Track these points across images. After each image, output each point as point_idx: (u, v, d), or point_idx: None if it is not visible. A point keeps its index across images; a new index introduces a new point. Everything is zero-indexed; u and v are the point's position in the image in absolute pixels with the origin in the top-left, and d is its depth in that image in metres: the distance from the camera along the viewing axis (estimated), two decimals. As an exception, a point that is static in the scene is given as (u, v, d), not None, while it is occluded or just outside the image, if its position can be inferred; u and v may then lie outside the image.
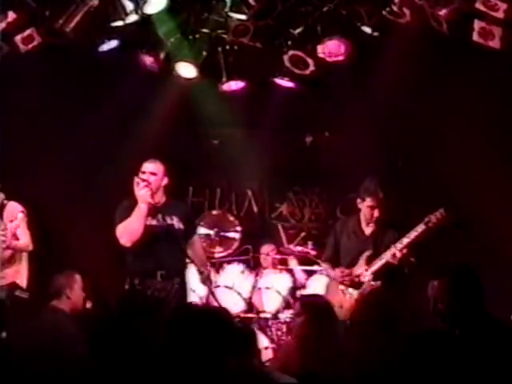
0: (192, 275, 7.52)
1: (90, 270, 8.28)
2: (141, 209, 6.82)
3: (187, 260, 7.14)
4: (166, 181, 7.04)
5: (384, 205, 7.12)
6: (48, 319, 6.67)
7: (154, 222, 6.94)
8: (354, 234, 7.33)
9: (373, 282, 7.12)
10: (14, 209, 7.74)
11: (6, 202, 7.80)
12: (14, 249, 7.66)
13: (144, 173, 6.97)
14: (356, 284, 7.19)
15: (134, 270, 6.90)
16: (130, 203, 6.92)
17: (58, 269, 7.27)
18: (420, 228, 6.93)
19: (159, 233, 6.92)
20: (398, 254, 6.94)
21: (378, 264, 7.08)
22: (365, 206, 7.20)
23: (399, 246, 6.98)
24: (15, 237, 7.65)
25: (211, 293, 7.85)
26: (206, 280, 7.45)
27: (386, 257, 7.04)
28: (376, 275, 7.09)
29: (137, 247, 6.88)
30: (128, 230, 6.86)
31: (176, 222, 7.02)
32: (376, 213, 7.15)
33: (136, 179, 6.88)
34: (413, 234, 6.95)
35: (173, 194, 7.25)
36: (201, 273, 7.38)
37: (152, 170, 6.98)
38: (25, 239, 7.73)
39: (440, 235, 7.17)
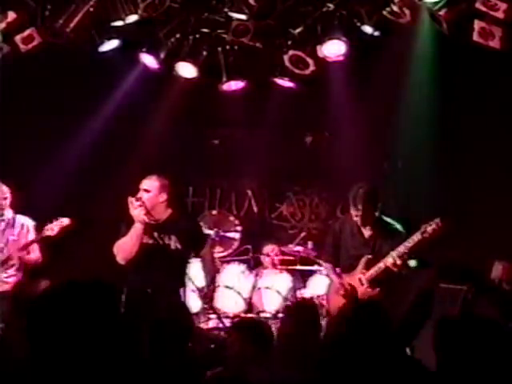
0: (194, 275, 7.51)
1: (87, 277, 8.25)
2: (136, 228, 6.70)
3: (184, 280, 7.07)
4: (163, 197, 6.85)
5: (365, 213, 7.10)
6: None
7: (150, 241, 6.84)
8: (354, 236, 7.32)
9: (369, 290, 7.11)
10: (27, 222, 7.89)
11: (14, 215, 7.90)
12: (27, 261, 7.78)
13: (144, 190, 6.83)
14: (351, 294, 7.20)
15: (128, 284, 6.81)
16: (129, 223, 6.81)
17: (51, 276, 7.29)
18: (416, 237, 6.93)
19: (154, 252, 6.81)
20: (399, 262, 6.94)
21: (375, 271, 7.09)
22: (352, 214, 7.22)
23: (395, 254, 6.98)
24: (27, 250, 7.77)
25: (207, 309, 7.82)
26: (205, 299, 7.37)
27: (384, 264, 7.04)
28: (373, 282, 7.09)
29: (132, 266, 6.81)
30: (123, 249, 6.77)
31: (173, 242, 6.91)
32: (359, 221, 7.16)
33: (130, 199, 6.73)
34: (409, 243, 6.95)
35: (178, 208, 7.12)
36: (199, 290, 7.35)
37: (146, 187, 6.84)
38: (36, 253, 7.83)
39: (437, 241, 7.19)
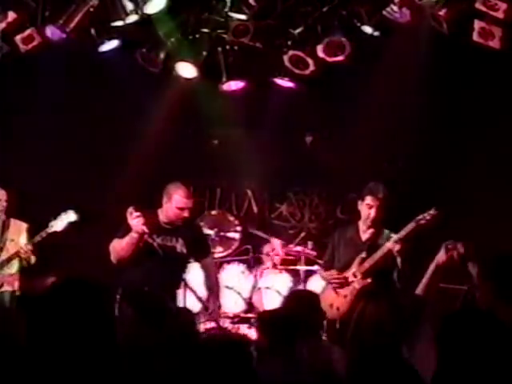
0: (194, 275, 7.51)
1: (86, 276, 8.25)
2: (132, 237, 6.71)
3: (180, 282, 7.09)
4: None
5: (382, 205, 7.11)
6: None
7: (155, 243, 6.86)
8: (351, 241, 7.34)
9: (362, 281, 7.13)
10: (22, 223, 7.89)
11: (7, 219, 7.89)
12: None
13: (182, 209, 6.88)
14: (343, 284, 7.23)
15: (125, 281, 6.82)
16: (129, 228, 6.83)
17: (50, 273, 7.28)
18: (411, 226, 6.98)
19: (158, 253, 6.84)
20: (397, 247, 6.98)
21: (368, 263, 7.12)
22: (364, 205, 7.21)
23: (389, 244, 7.03)
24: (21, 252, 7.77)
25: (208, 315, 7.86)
26: (213, 313, 7.37)
27: (378, 255, 7.08)
28: (366, 274, 7.12)
29: (133, 263, 6.82)
30: (116, 251, 6.80)
31: (179, 246, 6.93)
32: (373, 212, 7.15)
33: (129, 209, 6.74)
34: (403, 232, 6.99)
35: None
36: (201, 301, 7.36)
37: (190, 206, 6.94)
38: (31, 255, 7.82)
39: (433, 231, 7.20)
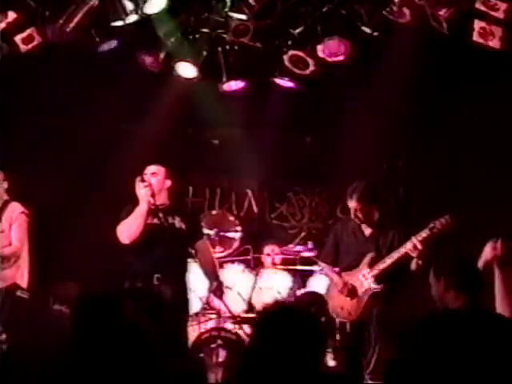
0: (194, 275, 7.51)
1: (90, 271, 8.30)
2: (141, 208, 6.85)
3: (189, 261, 7.15)
4: (168, 183, 7.04)
5: (363, 208, 7.12)
6: (54, 321, 6.68)
7: (155, 221, 6.95)
8: (354, 235, 7.33)
9: (374, 286, 7.10)
10: (15, 210, 7.82)
11: (8, 201, 7.84)
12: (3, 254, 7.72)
13: (146, 174, 7.01)
14: (353, 293, 7.19)
15: (133, 271, 6.89)
16: (134, 205, 6.93)
17: (58, 271, 7.27)
18: (424, 233, 6.90)
19: (160, 232, 6.91)
20: (419, 246, 6.87)
21: (382, 266, 7.07)
22: (351, 208, 7.25)
23: (408, 246, 6.96)
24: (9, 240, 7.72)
25: (221, 300, 7.84)
26: (216, 290, 7.38)
27: (388, 262, 7.04)
28: (379, 277, 7.08)
29: (137, 247, 6.88)
30: (127, 228, 6.87)
31: (177, 222, 7.02)
32: (359, 215, 7.17)
33: (137, 179, 6.91)
34: (419, 236, 6.90)
35: (175, 196, 7.24)
36: (211, 283, 7.38)
37: (153, 171, 7.04)
38: (17, 243, 7.75)
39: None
